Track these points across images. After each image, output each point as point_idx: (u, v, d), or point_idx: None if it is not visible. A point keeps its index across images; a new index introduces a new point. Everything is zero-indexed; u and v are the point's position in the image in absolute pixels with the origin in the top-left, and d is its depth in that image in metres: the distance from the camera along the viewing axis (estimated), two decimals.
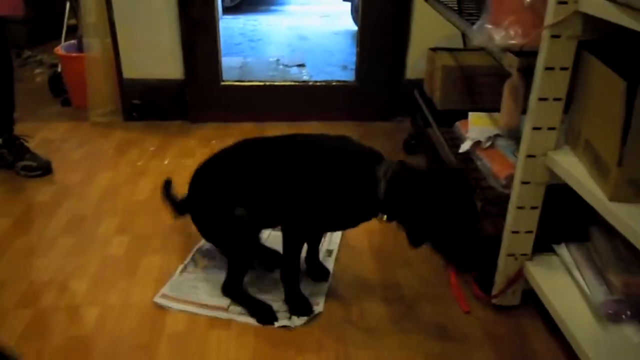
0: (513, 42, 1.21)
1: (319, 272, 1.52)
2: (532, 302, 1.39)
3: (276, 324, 1.35)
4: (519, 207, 1.31)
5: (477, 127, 1.63)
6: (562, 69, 1.15)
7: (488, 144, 1.53)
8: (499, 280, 1.40)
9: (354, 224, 1.35)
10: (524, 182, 1.27)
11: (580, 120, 1.18)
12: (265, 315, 1.36)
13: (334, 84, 2.64)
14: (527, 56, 1.20)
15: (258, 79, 3.08)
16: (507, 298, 1.42)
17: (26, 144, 2.09)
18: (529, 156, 1.24)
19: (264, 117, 2.59)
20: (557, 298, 1.25)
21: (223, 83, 2.55)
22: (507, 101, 1.30)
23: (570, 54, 1.14)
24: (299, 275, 1.41)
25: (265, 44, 4.48)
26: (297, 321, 1.36)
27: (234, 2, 5.71)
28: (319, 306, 1.42)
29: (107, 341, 1.30)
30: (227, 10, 5.65)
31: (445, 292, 1.50)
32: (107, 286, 1.48)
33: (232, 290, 1.41)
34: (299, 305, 1.39)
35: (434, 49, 2.08)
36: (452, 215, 1.16)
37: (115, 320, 1.36)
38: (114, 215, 1.81)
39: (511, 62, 1.21)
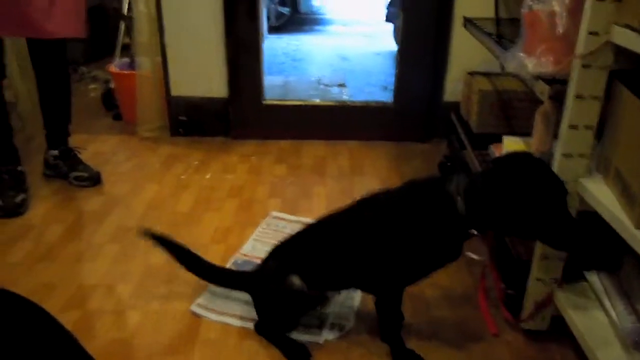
0: (545, 70, 1.24)
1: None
2: (561, 328, 1.39)
3: (302, 338, 1.39)
4: None
5: (509, 148, 1.64)
6: (593, 97, 1.17)
7: None
8: (528, 304, 1.41)
9: (447, 256, 1.27)
10: None
11: (611, 149, 1.19)
12: (298, 355, 1.35)
13: (372, 104, 2.70)
14: (558, 84, 1.22)
15: (299, 97, 3.17)
16: (536, 323, 1.42)
17: (79, 155, 2.22)
18: None
19: (302, 135, 2.66)
20: (585, 325, 1.25)
21: (265, 102, 2.64)
22: (538, 127, 1.32)
23: (601, 84, 1.16)
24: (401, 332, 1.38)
25: (307, 64, 4.59)
26: (327, 335, 1.41)
27: (279, 22, 5.87)
28: (349, 322, 1.46)
29: (145, 345, 1.38)
30: (272, 29, 5.80)
31: (474, 314, 1.51)
32: (148, 293, 1.57)
33: (265, 331, 1.41)
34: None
35: (472, 73, 2.11)
36: (543, 197, 1.12)
37: (154, 325, 1.44)
38: (158, 226, 1.89)
39: (542, 90, 1.24)
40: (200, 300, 1.53)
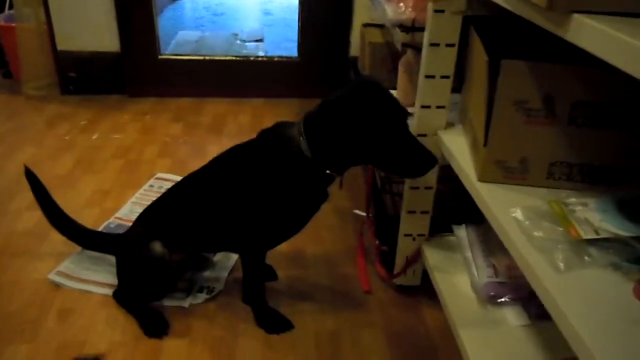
0: (404, 17, 1.17)
1: (266, 274, 1.43)
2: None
3: (166, 303, 1.33)
4: (413, 188, 1.29)
5: None
6: (448, 45, 1.12)
7: None
8: (399, 260, 1.39)
9: (309, 204, 1.20)
10: None
11: (467, 99, 1.15)
12: (154, 326, 1.27)
13: (275, 59, 2.59)
14: (417, 32, 1.17)
15: (213, 53, 3.02)
16: (408, 278, 1.41)
17: None
18: (420, 135, 1.22)
19: (204, 92, 2.54)
20: (445, 278, 1.24)
21: (161, 56, 2.49)
22: (402, 79, 1.26)
23: (456, 30, 1.11)
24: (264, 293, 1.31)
25: (228, 19, 4.39)
26: (194, 299, 1.35)
27: None
28: (219, 285, 1.40)
29: None
30: None
31: (351, 272, 1.49)
32: (7, 261, 1.45)
33: (123, 298, 1.33)
34: (276, 323, 1.28)
35: (366, 25, 2.03)
36: (381, 125, 1.07)
37: (7, 296, 1.34)
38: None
39: (400, 38, 1.18)
40: (61, 268, 1.43)
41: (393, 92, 1.49)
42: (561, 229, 0.82)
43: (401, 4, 1.15)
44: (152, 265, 1.25)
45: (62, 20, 2.38)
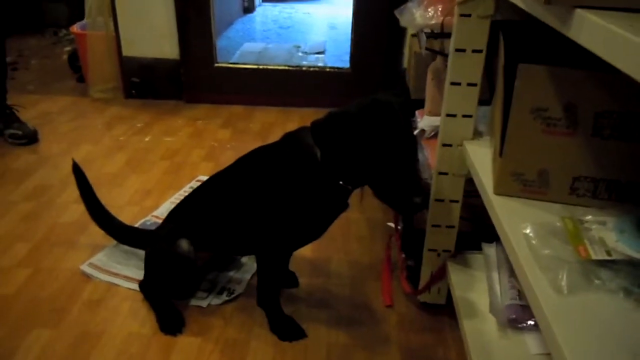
0: (432, 21, 1.13)
1: (287, 280, 1.42)
2: None
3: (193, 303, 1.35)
4: (438, 200, 1.23)
5: (429, 117, 1.54)
6: (475, 51, 1.07)
7: (432, 133, 1.44)
8: (424, 276, 1.33)
9: (325, 212, 1.18)
10: (441, 173, 1.20)
11: (493, 109, 1.09)
12: (170, 324, 1.28)
13: (327, 69, 2.60)
14: (443, 38, 1.12)
15: (270, 63, 3.07)
16: (433, 296, 1.34)
17: (17, 113, 2.19)
18: (445, 145, 1.16)
19: (256, 100, 2.58)
20: (466, 297, 1.17)
21: (217, 64, 2.56)
22: (430, 86, 1.22)
23: (483, 35, 1.05)
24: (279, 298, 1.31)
25: (294, 32, 4.47)
26: (213, 300, 1.36)
27: None
28: (239, 288, 1.40)
29: (26, 302, 1.34)
30: None
31: (374, 284, 1.44)
32: (45, 251, 1.53)
33: (148, 290, 1.36)
34: (289, 330, 1.26)
35: (415, 35, 1.99)
36: (381, 150, 1.02)
37: (40, 283, 1.41)
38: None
39: (430, 44, 1.14)
40: (93, 260, 1.49)
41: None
42: (571, 247, 0.75)
43: (430, 9, 1.11)
44: (177, 262, 1.27)
45: (128, 28, 2.52)
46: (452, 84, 1.10)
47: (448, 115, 1.13)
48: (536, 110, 0.85)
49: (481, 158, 1.07)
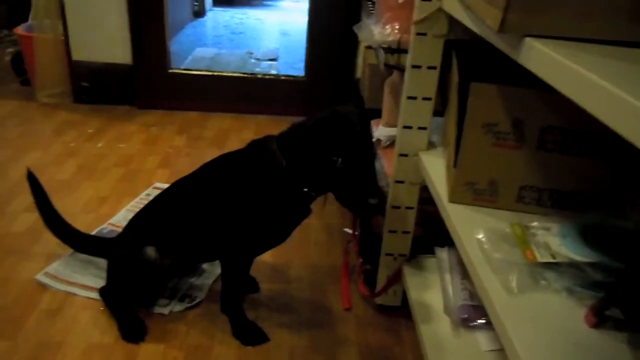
0: (389, 38, 1.20)
1: (248, 285, 1.45)
2: None
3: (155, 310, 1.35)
4: (394, 207, 1.29)
5: (385, 127, 1.61)
6: (430, 67, 1.14)
7: (387, 143, 1.51)
8: (381, 279, 1.39)
9: (291, 221, 1.22)
10: (397, 181, 1.26)
11: (446, 122, 1.17)
12: (133, 332, 1.28)
13: (282, 77, 2.64)
14: (402, 53, 1.19)
15: (224, 70, 3.08)
16: (389, 298, 1.41)
17: None
18: (402, 155, 1.23)
19: (211, 107, 2.59)
20: (420, 298, 1.24)
21: (171, 70, 2.55)
22: (387, 99, 1.28)
23: (437, 53, 1.13)
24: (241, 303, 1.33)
25: (246, 38, 4.48)
26: (175, 307, 1.37)
27: None
28: (201, 294, 1.42)
29: None
30: (219, 2, 5.65)
31: (334, 288, 1.49)
32: None
33: (109, 297, 1.35)
34: (252, 335, 1.29)
35: (370, 47, 2.06)
36: (339, 158, 1.05)
37: None
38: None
39: (383, 59, 1.20)
40: (49, 269, 1.46)
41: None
42: (519, 251, 0.82)
43: (387, 26, 1.17)
44: (144, 269, 1.27)
45: (78, 31, 2.47)
46: (409, 98, 1.17)
47: (405, 127, 1.20)
48: (487, 125, 0.93)
49: (435, 168, 1.14)
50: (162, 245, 1.28)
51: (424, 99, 1.17)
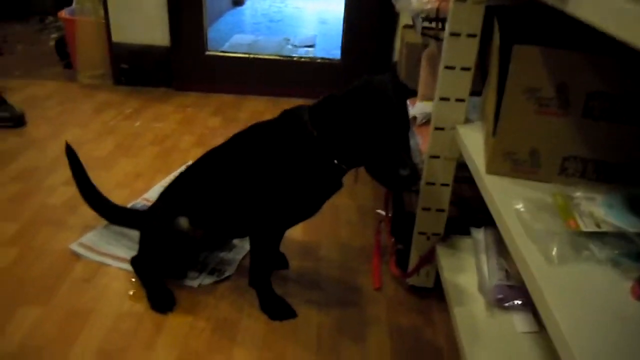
0: (428, 6, 1.15)
1: (277, 261, 1.43)
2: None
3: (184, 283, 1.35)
4: (429, 183, 1.25)
5: (422, 104, 1.56)
6: (470, 35, 1.09)
7: (423, 120, 1.46)
8: (413, 259, 1.35)
9: (321, 194, 1.20)
10: (433, 156, 1.22)
11: (485, 93, 1.11)
12: (162, 302, 1.28)
13: (318, 60, 2.61)
14: (438, 22, 1.14)
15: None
16: (421, 279, 1.37)
17: (2, 96, 2.16)
18: (437, 128, 1.18)
19: (246, 89, 2.58)
20: (454, 279, 1.19)
21: (207, 53, 2.56)
22: (424, 71, 1.24)
23: (477, 20, 1.07)
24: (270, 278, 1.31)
25: (284, 26, 4.47)
26: (204, 280, 1.36)
27: None
28: (230, 269, 1.41)
29: (14, 280, 1.33)
30: None
31: (364, 268, 1.46)
32: (34, 231, 1.52)
33: (140, 267, 1.35)
34: (279, 310, 1.28)
35: (407, 26, 2.01)
36: (373, 130, 1.02)
37: (29, 262, 1.40)
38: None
39: (420, 29, 1.16)
40: (83, 240, 1.48)
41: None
42: (561, 221, 0.77)
43: None
44: (176, 240, 1.27)
45: (118, 13, 2.50)
46: (447, 67, 1.12)
47: (441, 99, 1.15)
48: (529, 91, 0.87)
49: (473, 141, 1.09)
50: (194, 216, 1.27)
51: (463, 69, 1.12)
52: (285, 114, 1.19)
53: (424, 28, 1.14)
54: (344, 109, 1.05)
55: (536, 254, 0.74)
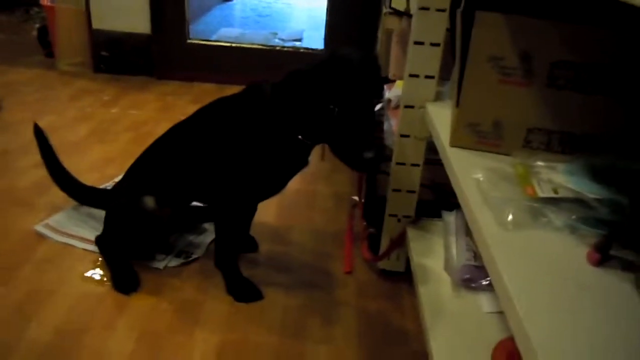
0: None
1: (246, 244, 1.41)
2: None
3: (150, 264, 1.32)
4: (399, 163, 1.23)
5: (398, 89, 1.54)
6: (439, 10, 1.07)
7: (398, 104, 1.44)
8: (384, 242, 1.33)
9: (286, 171, 1.18)
10: (402, 135, 1.19)
11: (455, 68, 1.09)
12: (125, 283, 1.26)
13: (301, 50, 2.59)
14: None
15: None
16: (392, 263, 1.34)
17: None
18: (407, 107, 1.16)
19: (229, 78, 2.55)
20: (422, 260, 1.17)
21: (189, 41, 2.53)
22: (395, 49, 1.21)
23: None
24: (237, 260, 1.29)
25: (273, 20, 4.45)
26: (170, 262, 1.33)
27: None
28: (198, 251, 1.38)
29: None
30: None
31: (336, 252, 1.43)
32: (0, 211, 1.49)
33: (105, 246, 1.32)
34: (245, 292, 1.25)
35: (388, 13, 1.99)
36: (335, 105, 0.98)
37: None
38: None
39: (389, 4, 1.13)
40: (49, 221, 1.45)
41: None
42: (519, 188, 0.75)
43: None
44: (142, 219, 1.24)
45: (99, 0, 2.47)
46: (416, 43, 1.10)
47: (411, 75, 1.13)
48: (492, 59, 0.85)
49: (442, 119, 1.06)
50: (160, 193, 1.24)
51: (432, 44, 1.10)
52: (250, 88, 1.17)
53: (392, 7, 1.12)
54: (305, 82, 1.03)
55: (491, 221, 0.71)
